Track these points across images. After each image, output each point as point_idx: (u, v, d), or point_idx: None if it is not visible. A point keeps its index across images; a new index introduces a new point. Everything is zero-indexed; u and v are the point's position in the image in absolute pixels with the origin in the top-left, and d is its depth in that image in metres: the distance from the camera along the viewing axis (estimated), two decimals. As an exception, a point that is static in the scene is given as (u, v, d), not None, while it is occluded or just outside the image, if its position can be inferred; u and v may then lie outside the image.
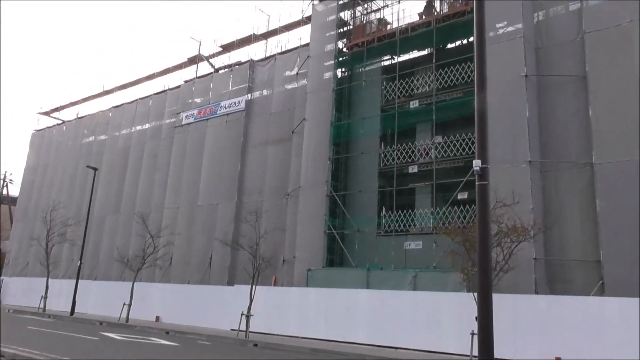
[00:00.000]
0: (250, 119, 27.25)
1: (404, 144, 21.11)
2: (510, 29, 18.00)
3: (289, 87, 26.46)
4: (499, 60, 16.99)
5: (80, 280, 26.80)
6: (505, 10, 18.08)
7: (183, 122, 30.22)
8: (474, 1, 10.03)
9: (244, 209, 24.88)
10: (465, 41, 21.47)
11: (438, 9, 21.61)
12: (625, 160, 15.15)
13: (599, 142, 15.77)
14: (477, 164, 8.53)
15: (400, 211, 20.16)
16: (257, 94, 27.95)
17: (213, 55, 32.73)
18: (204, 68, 33.10)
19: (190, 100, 30.93)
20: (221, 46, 31.97)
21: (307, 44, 25.56)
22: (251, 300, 17.90)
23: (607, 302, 13.42)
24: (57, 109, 43.26)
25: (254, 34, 30.12)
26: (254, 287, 18.20)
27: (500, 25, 18.32)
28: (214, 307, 21.90)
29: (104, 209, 33.15)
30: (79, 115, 40.14)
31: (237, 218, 25.10)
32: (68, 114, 42.86)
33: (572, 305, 13.75)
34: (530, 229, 13.86)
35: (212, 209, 26.62)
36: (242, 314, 17.65)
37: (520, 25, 17.60)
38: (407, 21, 22.57)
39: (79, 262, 27.32)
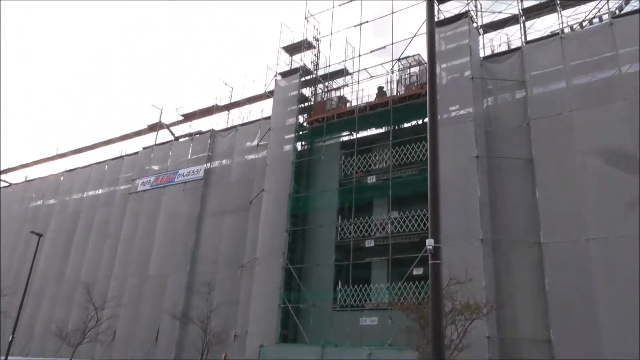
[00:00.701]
0: (208, 188, 27.23)
1: (361, 218, 21.45)
2: (462, 112, 19.16)
3: (248, 157, 26.83)
4: (451, 141, 17.95)
5: (10, 358, 24.90)
6: (457, 94, 19.34)
7: (138, 189, 29.86)
8: (427, 85, 10.67)
9: (196, 279, 24.29)
10: (420, 121, 22.60)
11: (395, 91, 22.79)
12: (571, 240, 15.90)
13: (546, 222, 16.57)
14: (429, 243, 8.77)
15: (356, 285, 20.13)
16: (216, 163, 28.18)
17: (174, 124, 33.04)
18: (163, 136, 33.28)
19: (147, 167, 30.76)
20: (183, 115, 32.38)
21: (269, 117, 26.24)
22: (199, 379, 17.09)
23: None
24: (4, 171, 42.01)
25: (216, 104, 30.74)
26: (203, 364, 17.44)
27: (453, 108, 19.50)
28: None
29: (45, 278, 31.64)
30: (28, 178, 39.04)
31: (188, 289, 24.40)
32: (17, 177, 41.67)
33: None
34: (483, 307, 14.08)
35: (162, 280, 25.83)
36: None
37: (471, 109, 18.76)
38: (365, 100, 23.67)
39: (10, 336, 25.52)
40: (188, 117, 32.34)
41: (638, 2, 19.02)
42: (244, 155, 27.04)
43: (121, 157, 33.33)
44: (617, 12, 19.05)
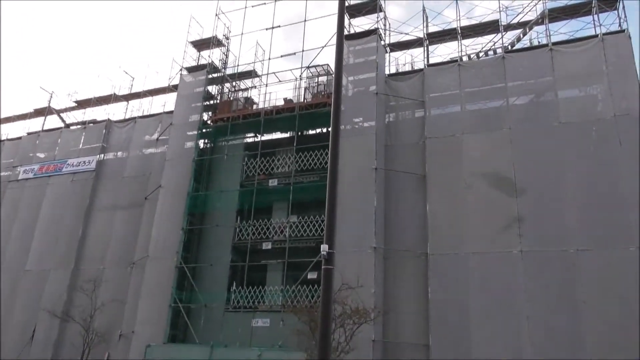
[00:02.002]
0: (100, 180, 26.20)
1: (260, 220, 21.78)
2: (365, 124, 20.24)
3: (146, 151, 26.16)
4: (352, 151, 18.88)
5: None
6: (361, 107, 20.40)
7: (20, 177, 27.92)
8: (333, 96, 11.27)
9: (80, 277, 23.20)
10: (324, 129, 23.46)
11: (302, 98, 23.46)
12: (453, 253, 17.45)
13: (433, 235, 18.02)
14: (324, 248, 9.24)
15: (250, 287, 20.42)
16: (110, 155, 27.17)
17: (65, 110, 31.21)
18: (52, 122, 31.33)
19: (31, 154, 28.85)
20: (76, 101, 30.71)
21: (171, 112, 25.76)
22: (77, 381, 16.42)
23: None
24: None
25: (114, 93, 29.54)
26: (82, 365, 16.77)
27: (357, 120, 20.54)
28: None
29: None
30: None
31: (71, 287, 23.23)
32: None
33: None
34: (371, 312, 15.03)
35: (42, 276, 24.37)
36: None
37: (373, 123, 19.87)
38: (273, 104, 24.07)
39: None
40: (82, 104, 30.70)
41: (529, 41, 21.20)
42: (142, 149, 26.32)
43: (1, 140, 30.88)
44: (509, 47, 21.13)
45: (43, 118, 30.91)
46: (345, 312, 14.31)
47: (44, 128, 30.16)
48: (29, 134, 30.11)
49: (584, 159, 17.24)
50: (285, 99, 24.20)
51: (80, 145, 27.69)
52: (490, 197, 17.89)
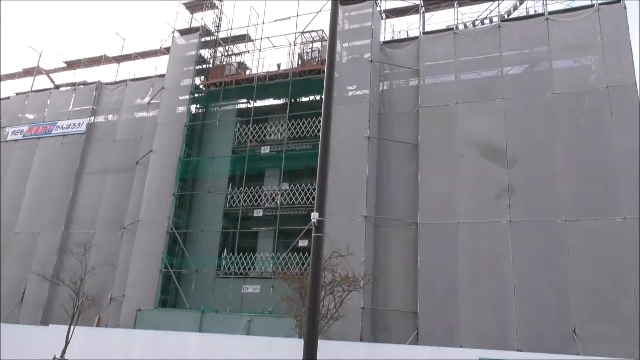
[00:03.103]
0: (90, 143, 25.87)
1: (252, 188, 21.71)
2: (358, 92, 19.98)
3: (138, 115, 25.82)
4: (345, 119, 18.73)
5: None
6: (355, 75, 20.10)
7: (8, 138, 27.54)
8: (326, 63, 11.06)
9: (71, 240, 23.11)
10: (318, 97, 23.18)
11: (295, 64, 23.08)
12: (443, 223, 17.51)
13: (424, 205, 18.02)
14: (314, 216, 9.21)
15: (241, 254, 20.47)
16: (101, 118, 26.76)
17: (55, 70, 30.54)
18: (41, 82, 30.70)
19: (20, 115, 28.36)
20: (66, 62, 30.04)
21: (163, 75, 25.33)
22: (67, 343, 16.53)
23: (419, 350, 15.06)
24: None
25: (105, 54, 28.88)
26: (72, 327, 16.86)
27: (350, 88, 20.27)
28: (22, 351, 19.63)
29: None
30: None
31: (61, 250, 23.16)
32: None
33: (391, 352, 15.17)
34: (361, 280, 15.13)
35: (31, 238, 24.28)
36: (54, 359, 16.17)
37: (367, 91, 19.62)
38: (266, 69, 23.68)
39: None
40: (72, 65, 30.03)
41: (525, 10, 20.85)
42: (133, 113, 25.96)
43: (-11, 100, 30.28)
44: (505, 15, 20.78)
45: (32, 78, 30.25)
46: (335, 280, 14.39)
47: (33, 88, 29.55)
48: (17, 94, 29.53)
49: (575, 130, 17.22)
50: (278, 65, 23.81)
51: (70, 107, 27.22)
52: (482, 168, 17.89)
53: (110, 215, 23.54)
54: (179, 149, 22.69)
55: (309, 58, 23.10)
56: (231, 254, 20.64)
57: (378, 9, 21.86)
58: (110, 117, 26.50)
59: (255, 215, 21.21)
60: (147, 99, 25.68)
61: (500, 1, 20.71)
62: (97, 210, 23.92)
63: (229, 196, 21.98)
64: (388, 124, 19.99)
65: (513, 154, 17.56)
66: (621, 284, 15.01)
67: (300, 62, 23.08)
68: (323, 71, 20.64)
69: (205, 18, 25.67)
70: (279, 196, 20.92)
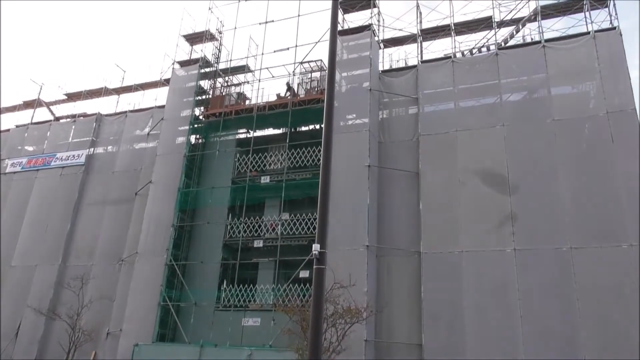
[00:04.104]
0: (89, 175, 25.77)
1: (252, 218, 21.46)
2: (358, 121, 19.92)
3: (137, 146, 25.79)
4: (345, 148, 18.65)
5: None
6: (354, 104, 20.09)
7: (7, 170, 27.40)
8: (326, 92, 10.97)
9: (68, 273, 22.75)
10: (317, 126, 23.16)
11: (295, 94, 23.12)
12: (447, 251, 17.22)
13: (426, 233, 17.76)
14: (316, 248, 8.99)
15: (241, 286, 20.08)
16: (100, 149, 26.75)
17: (55, 102, 30.67)
18: (41, 114, 30.77)
19: (20, 147, 28.31)
20: (66, 94, 30.20)
21: (162, 106, 25.36)
22: (63, 380, 16.01)
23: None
24: None
25: (105, 86, 29.06)
26: (68, 364, 16.37)
27: (350, 116, 20.22)
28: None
29: None
30: None
31: (58, 283, 22.77)
32: None
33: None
34: (363, 311, 14.75)
35: (28, 271, 23.88)
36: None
37: (367, 120, 19.56)
38: (265, 99, 23.71)
39: None
40: (72, 97, 30.21)
41: (522, 37, 20.99)
42: (132, 144, 25.92)
43: (-11, 133, 30.29)
44: (502, 44, 20.91)
45: (32, 110, 30.39)
46: (337, 312, 14.02)
47: (33, 121, 29.62)
48: (17, 126, 29.57)
49: (577, 156, 17.10)
50: (278, 95, 23.84)
51: (70, 139, 27.24)
52: (484, 195, 17.71)
53: (108, 247, 23.23)
54: (178, 180, 22.51)
55: (308, 88, 23.15)
56: (231, 285, 20.24)
57: (376, 38, 22.01)
58: (109, 148, 26.48)
59: (255, 246, 20.90)
60: (146, 130, 25.66)
61: (497, 30, 20.85)
62: (95, 243, 23.62)
63: (228, 227, 21.71)
64: (388, 152, 19.89)
65: (515, 180, 17.40)
66: (631, 313, 14.62)
67: (295, 92, 23.11)
68: (322, 100, 20.64)
69: (205, 50, 25.90)
70: (279, 226, 20.65)
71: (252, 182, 21.90)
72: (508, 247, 16.61)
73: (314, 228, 19.46)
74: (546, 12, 20.27)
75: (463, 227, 17.45)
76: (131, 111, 27.08)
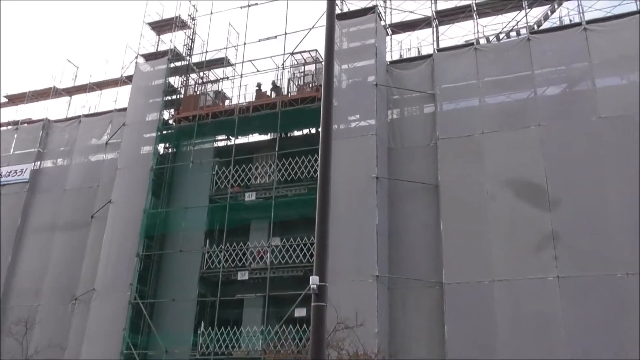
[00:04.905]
0: (34, 194, 25.80)
1: (235, 244, 21.31)
2: (362, 123, 19.90)
3: (93, 158, 25.85)
4: (348, 157, 18.58)
5: None
6: (358, 102, 20.07)
7: None
8: (323, 88, 10.86)
9: (9, 316, 22.54)
10: (313, 130, 23.11)
11: (285, 91, 23.10)
12: (474, 281, 17.06)
13: (449, 260, 17.59)
14: (314, 280, 8.85)
15: (223, 328, 19.89)
16: (49, 162, 26.90)
17: (-8, 107, 30.61)
18: (-24, 121, 30.67)
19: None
20: (6, 96, 30.37)
21: (124, 109, 25.47)
22: None
23: None
24: None
25: (54, 86, 29.10)
26: None
27: (352, 118, 20.19)
28: None
29: None
30: None
31: (-3, 329, 22.54)
32: None
33: None
34: (374, 357, 14.54)
35: (-40, 315, 23.62)
36: None
37: (373, 121, 19.51)
38: (249, 98, 23.69)
39: None
40: (13, 100, 30.37)
41: (558, 19, 21.05)
42: (88, 155, 25.97)
43: None
44: (535, 27, 20.94)
45: (-36, 118, 30.32)
46: (342, 359, 13.82)
47: (-35, 130, 29.54)
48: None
49: (629, 161, 16.96)
50: (258, 87, 23.65)
51: (11, 151, 27.33)
52: (518, 211, 17.63)
53: (58, 283, 23.10)
54: (144, 199, 22.44)
55: (301, 84, 23.14)
56: (210, 328, 20.05)
57: (382, 23, 22.07)
58: (59, 161, 26.52)
59: (239, 278, 20.74)
60: (104, 138, 25.66)
61: (527, 10, 20.86)
62: (43, 278, 23.47)
63: (206, 255, 21.54)
64: (400, 160, 19.83)
65: (555, 192, 17.32)
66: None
67: (284, 90, 23.11)
68: (318, 99, 20.59)
69: (175, 40, 26.00)
70: (268, 254, 20.51)
71: (234, 200, 21.81)
72: (550, 274, 16.46)
73: (311, 255, 19.29)
74: (587, -12, 20.38)
75: (494, 251, 17.29)
76: (86, 115, 27.11)
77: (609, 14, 19.66)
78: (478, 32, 21.26)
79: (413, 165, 19.54)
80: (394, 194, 19.26)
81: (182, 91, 25.68)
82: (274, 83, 23.79)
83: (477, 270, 17.25)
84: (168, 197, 23.60)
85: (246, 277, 20.65)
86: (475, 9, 21.59)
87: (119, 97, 26.94)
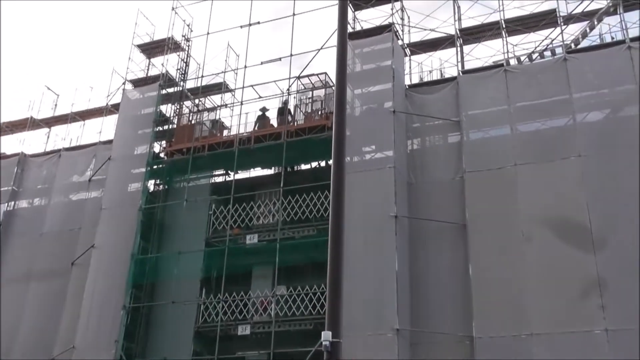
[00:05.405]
0: (8, 238, 25.94)
1: (234, 294, 21.23)
2: (379, 155, 20.01)
3: (74, 197, 26.01)
4: (363, 193, 18.63)
5: None
6: (374, 131, 20.22)
7: None
8: (334, 116, 11.02)
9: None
10: (323, 163, 23.23)
11: (291, 120, 23.28)
12: (510, 335, 16.92)
13: (480, 311, 17.46)
14: (326, 336, 8.86)
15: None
16: (24, 202, 27.16)
17: (-39, 140, 31.01)
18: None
19: None
20: (-23, 128, 30.60)
21: (110, 141, 25.66)
22: None
23: None
24: None
25: (31, 117, 29.43)
26: None
27: (368, 149, 20.32)
28: None
29: None
30: None
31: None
32: None
33: None
34: None
35: None
36: None
37: (391, 153, 19.61)
38: (250, 128, 23.85)
39: None
40: (-15, 132, 30.61)
41: (598, 37, 21.24)
42: (68, 194, 26.19)
43: None
44: (572, 45, 21.13)
45: None
46: None
47: None
48: None
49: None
50: (262, 111, 23.66)
51: (-17, 190, 27.40)
52: (558, 253, 17.54)
53: (33, 339, 23.05)
54: (132, 243, 22.50)
55: (309, 111, 23.32)
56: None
57: (400, 42, 22.32)
58: (36, 201, 26.72)
59: (240, 333, 20.61)
60: (87, 175, 25.88)
61: (563, 27, 21.05)
62: (15, 333, 23.39)
63: (202, 307, 21.47)
64: (422, 196, 19.88)
65: (600, 232, 17.27)
66: None
67: (292, 116, 23.28)
68: (329, 128, 20.75)
69: (168, 64, 26.28)
70: (273, 305, 20.42)
71: (233, 243, 21.87)
72: (597, 326, 16.30)
73: (322, 307, 19.22)
74: (630, 2, 20.54)
75: (531, 301, 17.17)
76: (67, 149, 27.36)
77: (655, 30, 19.90)
78: (508, 51, 21.46)
79: (437, 202, 19.59)
80: (416, 235, 19.25)
81: (175, 121, 25.88)
82: (282, 109, 23.83)
83: (512, 322, 17.11)
84: (159, 241, 23.65)
85: (248, 331, 20.51)
86: (504, 25, 21.81)
87: (104, 128, 27.13)
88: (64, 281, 23.55)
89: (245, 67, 24.45)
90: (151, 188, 24.75)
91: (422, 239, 19.22)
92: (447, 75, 22.43)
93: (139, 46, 27.04)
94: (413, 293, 18.51)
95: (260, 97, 24.51)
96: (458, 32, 22.35)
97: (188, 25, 27.05)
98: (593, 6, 21.26)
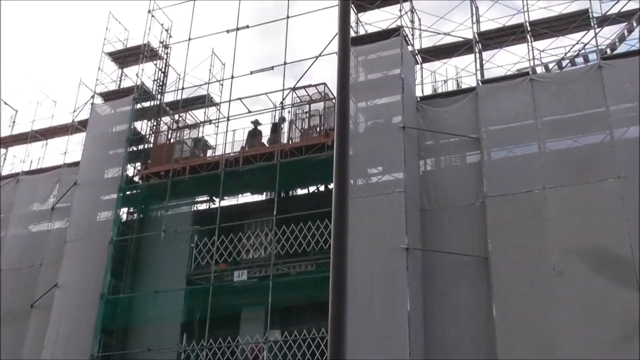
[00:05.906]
0: (-42, 276, 25.64)
1: (220, 340, 21.11)
2: (387, 177, 19.98)
3: (35, 229, 25.95)
4: (369, 221, 18.62)
5: None
6: (380, 150, 20.22)
7: None
8: (335, 134, 11.00)
9: None
10: (322, 187, 23.20)
11: (285, 138, 23.27)
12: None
13: (506, 352, 17.27)
14: (330, 385, 8.79)
15: None
16: (-23, 235, 26.80)
17: None
18: None
19: None
20: None
21: (76, 163, 25.71)
22: None
23: None
24: None
25: (-15, 136, 29.50)
26: None
27: (374, 171, 20.30)
28: None
29: None
30: None
31: None
32: None
33: None
34: None
35: None
36: None
37: (401, 175, 19.57)
38: (237, 148, 23.84)
39: None
40: None
41: (637, 41, 21.29)
42: (28, 225, 26.24)
43: None
44: (608, 51, 21.19)
45: None
46: None
47: None
48: None
49: None
50: (254, 125, 23.67)
51: None
52: (595, 290, 17.49)
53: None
54: (101, 281, 22.41)
55: (306, 127, 23.33)
56: None
57: (410, 48, 22.38)
58: (-7, 233, 26.53)
59: (227, 386, 20.53)
60: (50, 202, 25.88)
61: (597, 30, 21.08)
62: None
63: (183, 355, 21.36)
64: (437, 225, 19.87)
65: (644, 265, 17.24)
66: None
67: (292, 134, 23.31)
68: (329, 146, 20.76)
69: (143, 74, 26.36)
70: (265, 352, 20.31)
71: (219, 280, 21.80)
72: (641, 372, 16.24)
73: (323, 353, 19.13)
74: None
75: (565, 343, 17.06)
76: (26, 172, 27.42)
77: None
78: (534, 58, 21.52)
79: (454, 232, 19.57)
80: (430, 269, 19.23)
81: (152, 139, 25.91)
82: (276, 125, 23.80)
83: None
84: (132, 279, 23.56)
85: (236, 384, 20.50)
86: (529, 29, 21.88)
87: (70, 149, 27.23)
88: (22, 325, 23.48)
89: (232, 77, 24.46)
90: (124, 217, 24.75)
91: (437, 274, 19.17)
92: (464, 86, 22.53)
93: (110, 54, 27.12)
94: (427, 337, 18.43)
95: (249, 111, 24.48)
96: (476, 36, 22.45)
97: (166, 30, 27.21)
98: (631, 6, 21.31)
